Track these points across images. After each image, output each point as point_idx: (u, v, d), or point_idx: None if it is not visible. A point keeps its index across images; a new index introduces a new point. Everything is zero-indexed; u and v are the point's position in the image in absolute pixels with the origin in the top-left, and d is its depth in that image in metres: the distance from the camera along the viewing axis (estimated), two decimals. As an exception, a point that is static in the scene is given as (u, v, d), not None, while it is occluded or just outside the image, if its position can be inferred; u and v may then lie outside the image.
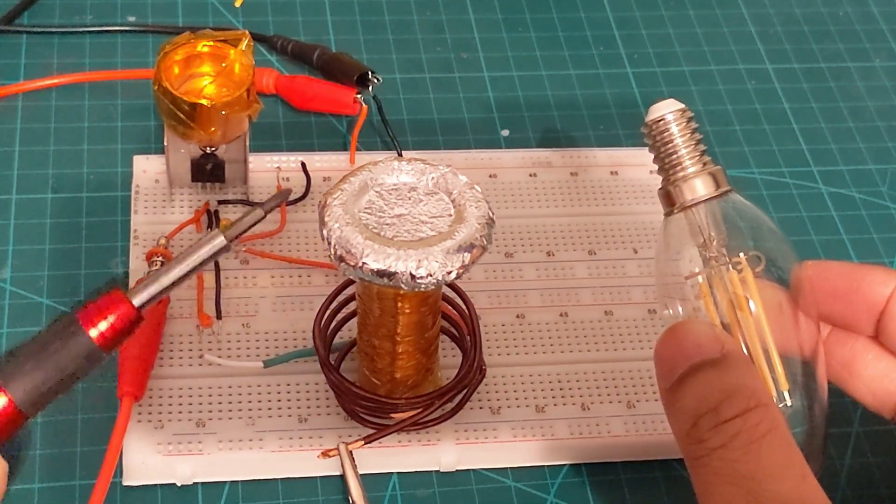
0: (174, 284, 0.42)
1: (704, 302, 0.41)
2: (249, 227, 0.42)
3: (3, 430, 0.41)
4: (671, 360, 0.39)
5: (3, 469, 0.41)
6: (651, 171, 0.57)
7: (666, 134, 0.42)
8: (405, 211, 0.43)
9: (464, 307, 0.48)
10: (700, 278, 0.41)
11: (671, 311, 0.42)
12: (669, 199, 0.43)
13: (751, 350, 0.40)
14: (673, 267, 0.42)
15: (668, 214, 0.43)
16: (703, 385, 0.37)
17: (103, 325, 0.41)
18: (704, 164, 0.42)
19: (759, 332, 0.40)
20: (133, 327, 0.41)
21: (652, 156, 0.44)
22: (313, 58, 0.60)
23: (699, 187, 0.42)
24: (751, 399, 0.37)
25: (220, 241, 0.42)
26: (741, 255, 0.41)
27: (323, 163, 0.55)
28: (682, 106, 0.43)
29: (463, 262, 0.41)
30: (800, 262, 0.42)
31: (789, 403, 0.41)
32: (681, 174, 0.42)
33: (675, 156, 0.42)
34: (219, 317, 0.50)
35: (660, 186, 0.43)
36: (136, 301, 0.41)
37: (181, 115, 0.49)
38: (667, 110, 0.42)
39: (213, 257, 0.42)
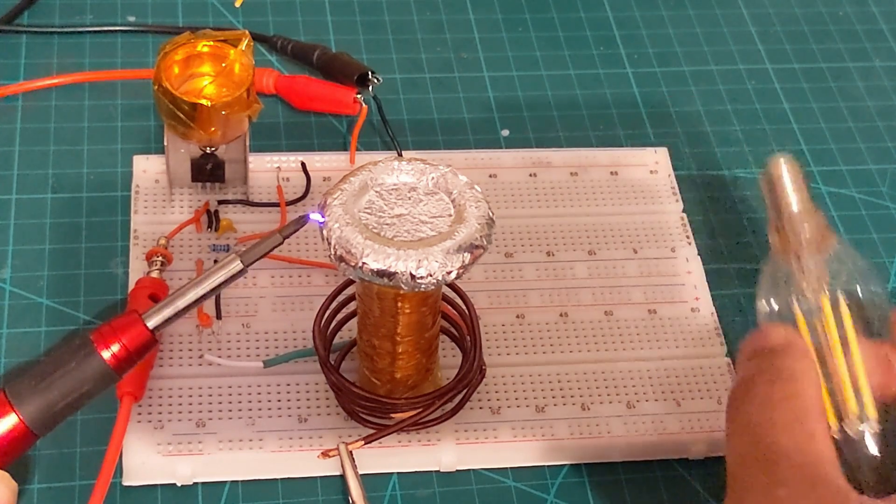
0: (189, 307, 0.42)
1: (803, 335, 0.44)
2: (267, 253, 0.42)
3: (13, 450, 0.41)
4: (745, 351, 0.43)
5: (13, 489, 0.41)
6: (651, 171, 0.57)
7: (780, 183, 0.46)
8: (405, 211, 0.43)
9: (464, 307, 0.48)
10: (800, 314, 0.44)
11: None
12: (782, 239, 0.46)
13: (838, 367, 0.43)
14: (774, 301, 0.46)
15: (775, 253, 0.46)
16: (747, 368, 0.42)
17: (117, 347, 0.41)
18: (812, 211, 0.46)
19: (850, 363, 0.43)
20: (147, 350, 0.41)
21: (765, 197, 0.46)
22: (313, 58, 0.60)
23: (806, 230, 0.45)
24: (761, 372, 0.41)
25: (237, 265, 0.42)
26: (840, 295, 0.44)
27: (323, 163, 0.55)
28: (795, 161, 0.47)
29: (463, 262, 0.41)
30: None
31: (873, 427, 0.43)
32: (788, 217, 0.46)
33: (784, 202, 0.46)
34: (219, 317, 0.50)
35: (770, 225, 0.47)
36: (151, 324, 0.41)
37: (181, 115, 0.49)
38: (783, 163, 0.46)
39: (230, 281, 0.42)
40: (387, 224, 0.42)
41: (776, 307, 0.46)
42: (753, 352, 0.43)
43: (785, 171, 0.47)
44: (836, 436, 0.43)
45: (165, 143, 0.51)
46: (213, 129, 0.49)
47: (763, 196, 0.47)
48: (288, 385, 0.48)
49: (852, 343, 0.44)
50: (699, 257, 0.54)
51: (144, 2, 0.63)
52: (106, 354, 0.41)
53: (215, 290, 0.42)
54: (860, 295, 0.45)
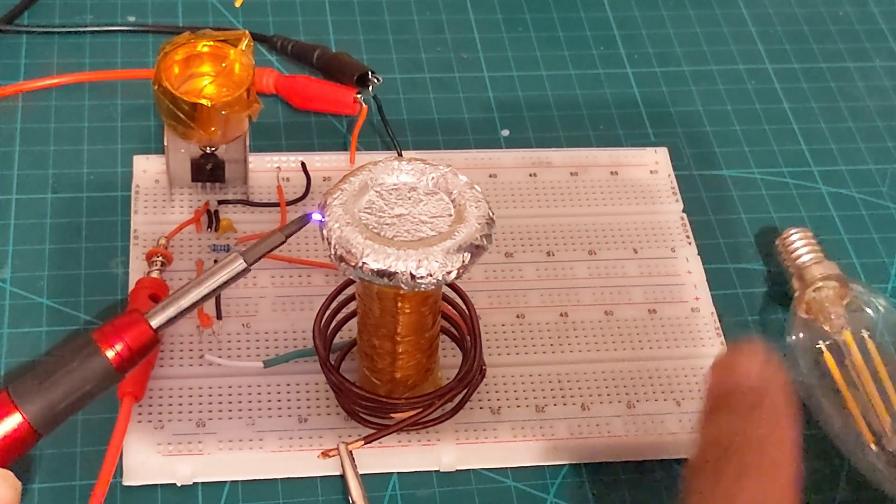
0: (192, 307, 0.42)
1: (830, 366, 0.49)
2: (269, 252, 0.42)
3: (16, 449, 0.41)
4: (714, 386, 0.41)
5: (16, 488, 0.41)
6: (651, 171, 0.57)
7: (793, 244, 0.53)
8: (405, 211, 0.43)
9: (464, 307, 0.48)
10: (824, 349, 0.50)
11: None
12: (800, 278, 0.52)
13: (869, 393, 0.49)
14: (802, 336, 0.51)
15: (799, 293, 0.52)
16: (717, 426, 0.40)
17: (120, 347, 0.41)
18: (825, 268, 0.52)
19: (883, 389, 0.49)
20: (149, 349, 0.41)
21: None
22: (313, 58, 0.60)
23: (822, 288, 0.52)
24: (735, 440, 0.39)
25: (240, 264, 0.42)
26: (864, 333, 0.50)
27: (323, 163, 0.55)
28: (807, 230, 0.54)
29: (463, 262, 0.41)
30: None
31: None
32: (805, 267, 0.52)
33: (800, 260, 0.53)
34: (219, 317, 0.50)
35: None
36: (154, 323, 0.41)
37: (181, 115, 0.49)
38: (795, 231, 0.53)
39: (232, 280, 0.42)
40: (387, 224, 0.42)
41: (804, 342, 0.50)
42: (724, 396, 0.40)
43: (797, 237, 0.53)
44: (877, 455, 0.48)
45: (165, 143, 0.51)
46: (213, 129, 0.49)
47: (781, 259, 0.53)
48: (288, 385, 0.48)
49: (881, 370, 0.48)
50: (699, 257, 0.54)
51: (144, 2, 0.63)
52: (109, 354, 0.41)
53: (218, 290, 0.42)
54: (884, 328, 0.50)
